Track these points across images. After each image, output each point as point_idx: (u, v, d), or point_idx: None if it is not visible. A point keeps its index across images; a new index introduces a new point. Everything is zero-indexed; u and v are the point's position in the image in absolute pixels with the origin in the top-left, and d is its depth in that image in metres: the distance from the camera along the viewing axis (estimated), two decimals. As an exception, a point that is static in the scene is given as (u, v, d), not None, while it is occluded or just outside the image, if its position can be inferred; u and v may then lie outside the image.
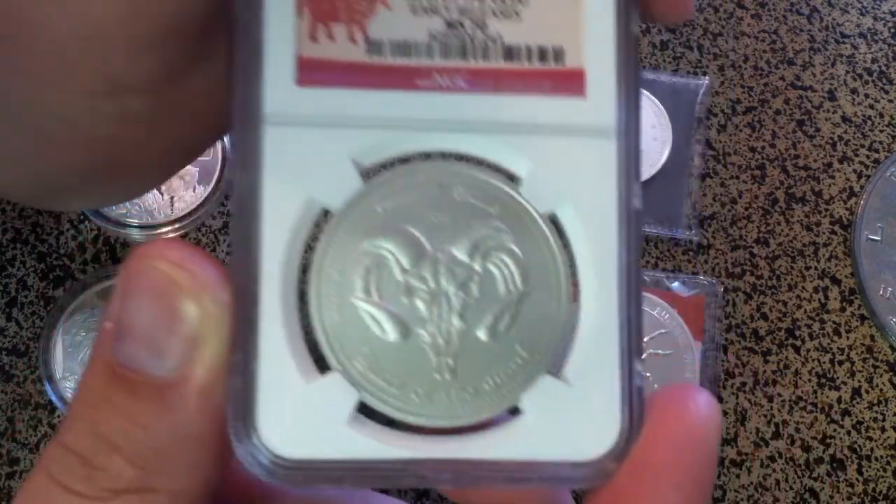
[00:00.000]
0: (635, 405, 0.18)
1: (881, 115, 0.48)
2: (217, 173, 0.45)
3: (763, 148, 0.47)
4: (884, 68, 0.49)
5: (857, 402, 0.43)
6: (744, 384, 0.43)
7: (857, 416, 0.43)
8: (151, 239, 0.44)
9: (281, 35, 0.18)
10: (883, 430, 0.42)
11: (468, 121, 0.19)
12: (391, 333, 0.18)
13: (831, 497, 0.41)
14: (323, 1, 0.19)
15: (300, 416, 0.18)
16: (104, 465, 0.17)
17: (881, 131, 0.48)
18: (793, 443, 0.42)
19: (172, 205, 0.44)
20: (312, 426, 0.17)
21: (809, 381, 0.43)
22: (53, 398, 0.40)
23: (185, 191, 0.44)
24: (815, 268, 0.45)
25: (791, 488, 0.41)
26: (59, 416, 0.41)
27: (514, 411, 0.18)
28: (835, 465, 0.42)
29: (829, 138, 0.48)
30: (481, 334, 0.18)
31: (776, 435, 0.42)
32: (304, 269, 0.18)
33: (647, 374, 0.42)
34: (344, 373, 0.18)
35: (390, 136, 0.19)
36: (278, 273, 0.18)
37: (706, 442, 0.18)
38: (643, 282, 0.20)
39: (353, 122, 0.18)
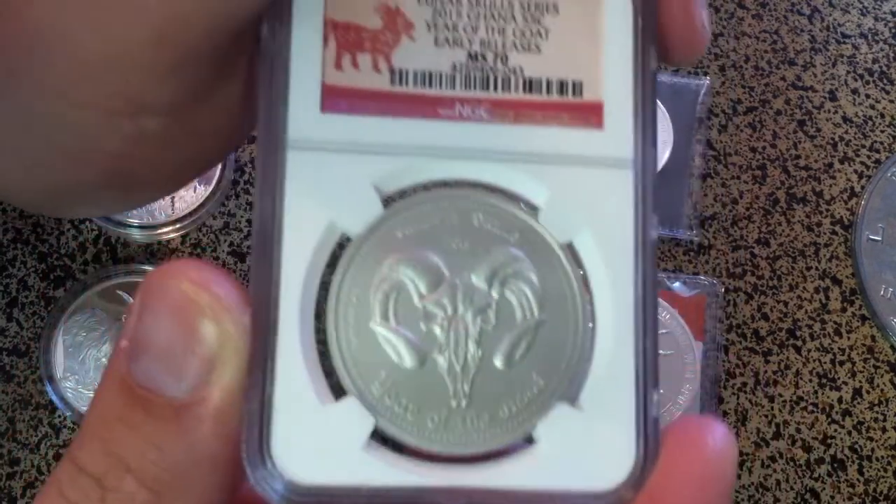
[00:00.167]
0: (650, 436, 0.18)
1: (882, 116, 0.48)
2: (217, 174, 0.45)
3: (764, 148, 0.47)
4: (885, 69, 0.49)
5: (858, 403, 0.43)
6: (745, 384, 0.43)
7: (857, 417, 0.43)
8: (154, 238, 0.44)
9: (307, 63, 0.19)
10: (884, 430, 0.42)
11: (488, 150, 0.19)
12: (408, 359, 0.18)
13: (832, 497, 0.41)
14: (349, 31, 0.19)
15: (315, 441, 0.17)
16: (117, 487, 0.17)
17: (882, 131, 0.48)
18: (794, 443, 0.42)
19: (173, 205, 0.44)
20: (327, 452, 0.17)
21: (810, 381, 0.43)
22: (54, 398, 0.40)
23: (186, 191, 0.44)
24: (816, 268, 0.45)
25: (792, 488, 0.41)
26: (59, 416, 0.41)
27: (530, 439, 0.18)
28: (836, 465, 0.42)
29: (829, 138, 0.48)
30: (498, 362, 0.18)
31: (777, 435, 0.42)
32: (323, 294, 0.18)
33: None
34: (360, 398, 0.18)
35: (412, 164, 0.19)
36: (297, 296, 0.18)
37: (723, 476, 0.18)
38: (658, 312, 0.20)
39: (375, 149, 0.19)
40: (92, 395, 0.40)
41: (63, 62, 0.18)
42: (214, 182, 0.44)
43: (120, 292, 0.42)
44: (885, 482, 0.42)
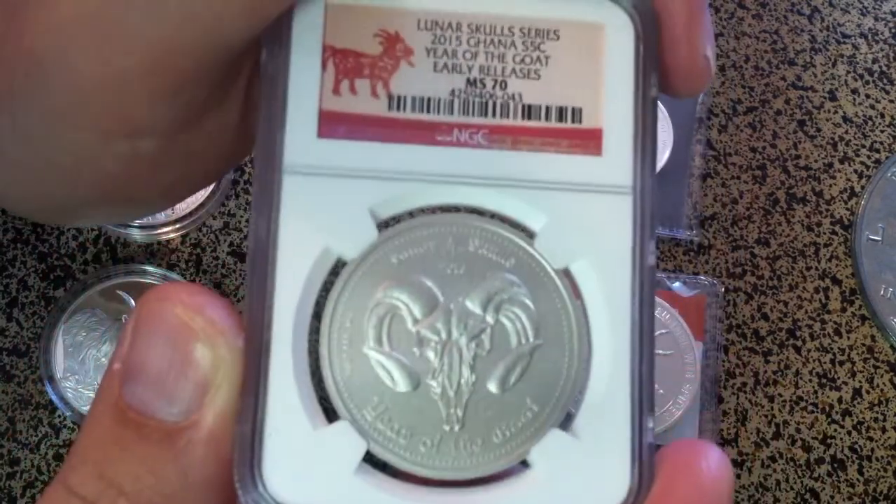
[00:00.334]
0: (645, 462, 0.18)
1: (882, 116, 0.48)
2: (218, 173, 0.45)
3: (764, 148, 0.47)
4: (884, 68, 0.49)
5: (858, 403, 0.43)
6: (744, 384, 0.43)
7: (857, 417, 0.43)
8: (154, 238, 0.44)
9: (304, 88, 0.19)
10: (884, 430, 0.42)
11: (485, 176, 0.19)
12: (401, 383, 0.18)
13: (832, 497, 0.41)
14: (348, 57, 0.19)
15: (307, 465, 0.17)
16: None
17: (882, 131, 0.48)
18: (793, 443, 0.42)
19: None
20: (319, 475, 0.17)
21: (810, 381, 0.43)
22: (54, 398, 0.40)
23: (186, 191, 0.44)
24: (816, 268, 0.45)
25: (792, 488, 0.41)
26: (59, 416, 0.41)
27: (524, 465, 0.18)
28: (835, 465, 0.42)
29: (829, 138, 0.48)
30: (492, 386, 0.18)
31: (777, 435, 0.42)
32: (317, 318, 0.18)
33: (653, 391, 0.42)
34: (352, 422, 0.18)
35: (408, 189, 0.19)
36: (290, 320, 0.18)
37: (718, 500, 0.18)
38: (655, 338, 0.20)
39: (371, 174, 0.19)
40: (92, 396, 0.40)
41: (61, 86, 0.19)
42: (214, 182, 0.44)
43: (120, 292, 0.42)
44: (885, 482, 0.42)
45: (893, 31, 0.50)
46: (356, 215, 0.19)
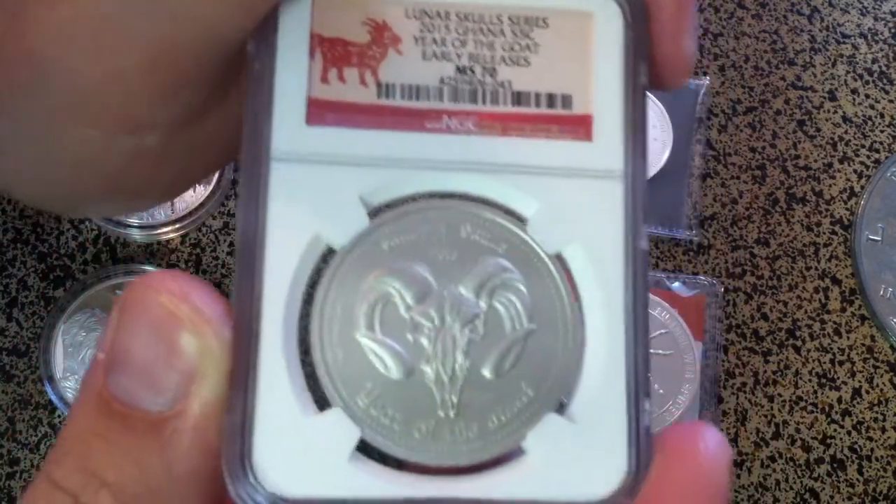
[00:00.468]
0: (643, 445, 0.18)
1: (882, 116, 0.48)
2: (217, 174, 0.45)
3: (763, 148, 0.47)
4: (884, 68, 0.49)
5: (858, 403, 0.43)
6: (744, 384, 0.43)
7: (857, 417, 0.43)
8: (154, 238, 0.44)
9: (292, 76, 0.19)
10: (883, 430, 0.42)
11: (476, 162, 0.19)
12: (395, 370, 0.18)
13: (832, 497, 0.41)
14: (336, 45, 0.19)
15: (299, 454, 0.17)
16: (93, 503, 0.16)
17: (882, 131, 0.48)
18: (793, 443, 0.42)
19: (173, 205, 0.44)
20: (312, 464, 0.17)
21: (810, 381, 0.43)
22: (54, 398, 0.40)
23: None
24: (816, 268, 0.45)
25: (791, 488, 0.41)
26: (59, 417, 0.41)
27: (520, 450, 0.18)
28: (835, 465, 0.42)
29: (829, 138, 0.48)
30: (486, 372, 0.18)
31: (776, 435, 0.42)
32: (307, 305, 0.18)
33: (649, 375, 0.42)
34: (345, 409, 0.18)
35: (398, 176, 0.19)
36: (280, 308, 0.18)
37: (717, 482, 0.18)
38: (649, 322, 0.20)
39: (361, 162, 0.19)
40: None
41: (62, 86, 0.19)
42: (214, 182, 0.44)
43: (120, 292, 0.42)
44: (885, 482, 0.42)
45: (893, 31, 0.50)
46: (347, 202, 0.18)
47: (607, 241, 0.19)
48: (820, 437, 0.42)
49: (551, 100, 0.20)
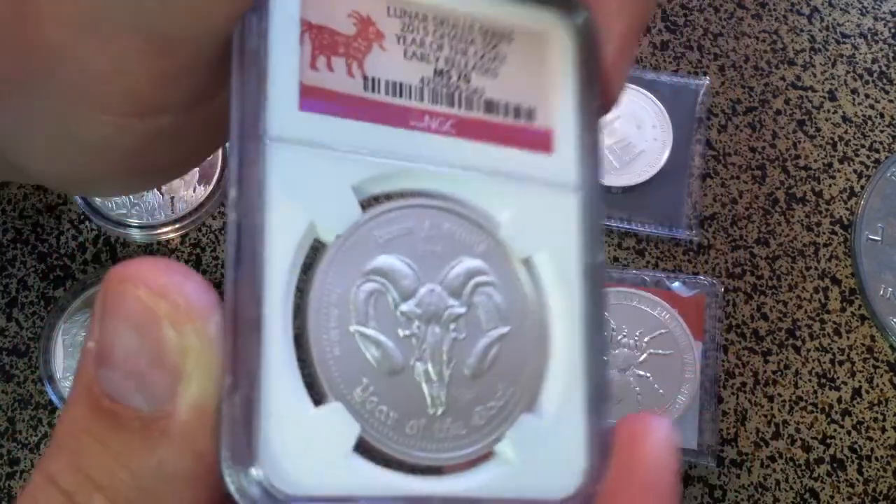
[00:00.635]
0: (602, 445, 0.19)
1: (881, 115, 0.48)
2: (217, 173, 0.45)
3: (763, 148, 0.47)
4: (884, 68, 0.49)
5: (858, 403, 0.43)
6: (744, 384, 0.43)
7: (857, 417, 0.43)
8: (154, 238, 0.44)
9: (285, 60, 0.19)
10: (883, 430, 0.42)
11: (457, 163, 0.20)
12: (387, 365, 0.18)
13: (832, 497, 0.41)
14: (324, 33, 0.19)
15: (298, 448, 0.17)
16: None
17: (881, 131, 0.48)
18: (793, 443, 0.42)
19: (173, 205, 0.44)
20: (311, 459, 0.17)
21: (810, 381, 0.43)
22: (53, 398, 0.40)
23: (186, 191, 0.44)
24: (816, 268, 0.45)
25: (791, 488, 0.41)
26: (59, 417, 0.41)
27: (497, 450, 0.19)
28: (835, 465, 0.42)
29: (829, 138, 0.48)
30: (467, 371, 0.19)
31: (776, 435, 0.42)
32: (302, 294, 0.18)
33: (648, 375, 0.42)
34: (345, 404, 0.17)
35: (388, 169, 0.19)
36: (281, 296, 0.17)
37: (666, 475, 0.18)
38: (608, 330, 0.21)
39: (352, 152, 0.19)
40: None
41: (73, 72, 0.19)
42: (214, 182, 0.44)
43: (120, 292, 0.42)
44: (885, 482, 0.42)
45: (893, 31, 0.50)
46: (340, 192, 0.18)
47: (566, 251, 0.20)
48: (820, 437, 0.42)
49: (517, 111, 0.21)
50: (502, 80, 0.21)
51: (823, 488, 0.41)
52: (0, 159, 0.23)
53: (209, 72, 0.20)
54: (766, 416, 0.42)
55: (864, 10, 0.50)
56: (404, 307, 0.18)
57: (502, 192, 0.20)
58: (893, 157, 0.47)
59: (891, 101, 0.48)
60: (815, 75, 0.49)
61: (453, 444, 0.18)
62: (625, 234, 0.45)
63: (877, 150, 0.47)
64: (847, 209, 0.46)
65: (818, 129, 0.48)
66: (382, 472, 0.18)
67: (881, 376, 0.43)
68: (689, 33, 0.49)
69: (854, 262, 0.45)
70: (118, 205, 0.44)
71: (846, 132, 0.48)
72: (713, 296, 0.44)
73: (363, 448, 0.18)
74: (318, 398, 0.17)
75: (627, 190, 0.46)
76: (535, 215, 0.20)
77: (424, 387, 0.18)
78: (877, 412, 0.43)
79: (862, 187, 0.47)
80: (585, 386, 0.19)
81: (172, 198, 0.44)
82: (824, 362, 0.43)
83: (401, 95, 0.19)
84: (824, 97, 0.48)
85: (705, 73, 0.48)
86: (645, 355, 0.42)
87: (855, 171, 0.47)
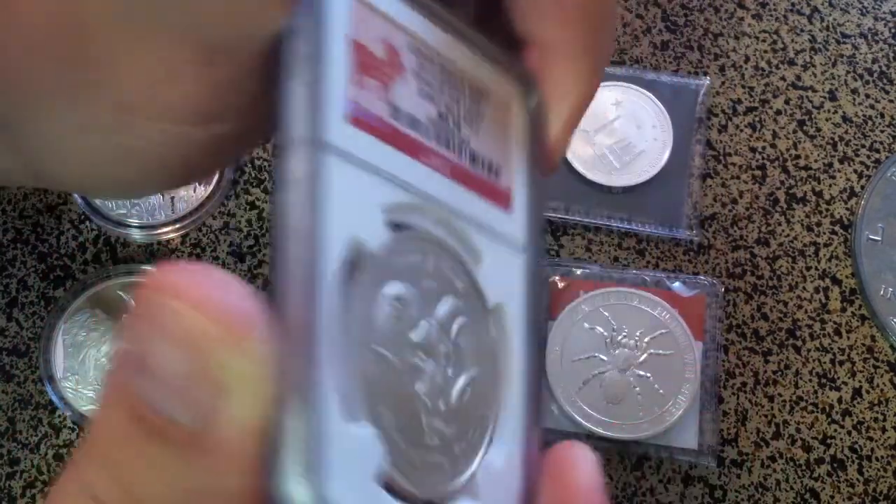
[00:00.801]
0: (531, 471, 0.20)
1: (882, 116, 0.48)
2: (217, 173, 0.45)
3: (764, 148, 0.47)
4: (884, 68, 0.49)
5: (858, 403, 0.43)
6: (744, 384, 0.43)
7: (857, 417, 0.43)
8: (154, 238, 0.44)
9: (336, 73, 0.19)
10: (884, 430, 0.42)
11: (452, 206, 0.20)
12: (397, 388, 0.18)
13: (832, 497, 0.41)
14: (365, 52, 0.19)
15: (341, 468, 0.16)
16: None
17: (882, 131, 0.48)
18: (793, 443, 0.42)
19: (173, 204, 0.44)
20: (350, 478, 0.16)
21: (810, 381, 0.43)
22: (54, 398, 0.40)
23: (186, 190, 0.44)
24: (816, 268, 0.45)
25: (792, 488, 0.41)
26: (59, 416, 0.41)
27: (471, 480, 0.19)
28: (835, 465, 0.42)
29: (829, 138, 0.48)
30: (450, 406, 0.19)
31: (777, 435, 0.42)
32: (339, 309, 0.17)
33: (649, 375, 0.42)
34: (374, 424, 0.17)
35: (412, 200, 0.20)
36: (335, 307, 0.17)
37: (599, 495, 0.19)
38: (542, 377, 0.22)
39: (384, 175, 0.19)
40: (93, 396, 0.40)
41: (129, 83, 0.19)
42: (214, 182, 0.44)
43: (120, 292, 0.42)
44: (885, 482, 0.42)
45: (893, 31, 0.50)
46: (375, 212, 0.19)
47: (518, 305, 0.21)
48: (820, 437, 0.42)
49: (489, 167, 0.22)
50: (481, 135, 0.21)
51: (824, 488, 0.41)
52: (25, 168, 0.23)
53: (261, 79, 0.20)
54: (766, 416, 0.42)
55: (864, 11, 0.50)
56: (413, 336, 0.19)
57: (481, 241, 0.21)
58: (894, 158, 0.47)
59: (891, 101, 0.48)
60: (815, 75, 0.49)
61: (440, 478, 0.18)
62: (625, 234, 0.45)
63: (877, 150, 0.47)
64: (847, 209, 0.46)
65: (818, 129, 0.48)
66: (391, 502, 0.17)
67: (881, 376, 0.43)
68: (690, 33, 0.49)
69: (854, 262, 0.45)
70: (118, 205, 0.44)
71: (846, 132, 0.48)
72: (713, 296, 0.44)
73: (384, 474, 0.17)
74: (352, 416, 0.17)
75: (627, 190, 0.46)
76: (501, 268, 0.21)
77: (423, 417, 0.18)
78: (877, 412, 0.43)
79: (862, 187, 0.47)
80: (523, 429, 0.20)
81: (173, 198, 0.44)
82: (825, 362, 0.43)
83: (416, 130, 0.20)
84: (825, 97, 0.48)
85: (705, 73, 0.48)
86: (645, 355, 0.42)
87: (855, 171, 0.47)
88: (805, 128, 0.48)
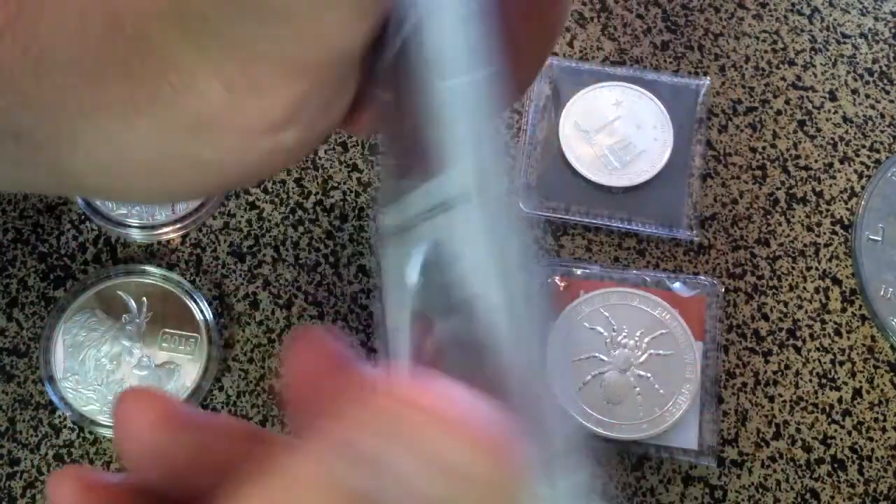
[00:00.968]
0: None
1: (882, 116, 0.48)
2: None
3: (764, 148, 0.47)
4: (885, 69, 0.49)
5: (858, 403, 0.43)
6: (745, 384, 0.43)
7: (857, 417, 0.43)
8: (154, 238, 0.44)
9: None
10: (884, 430, 0.42)
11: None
12: None
13: (832, 497, 0.41)
14: None
15: None
16: None
17: (882, 132, 0.48)
18: (794, 443, 0.42)
19: (173, 205, 0.44)
20: None
21: (810, 381, 0.43)
22: (54, 398, 0.40)
23: (186, 191, 0.44)
24: (816, 268, 0.45)
25: (792, 489, 0.41)
26: (59, 416, 0.41)
27: None
28: (836, 465, 0.42)
29: (830, 138, 0.48)
30: None
31: (777, 435, 0.42)
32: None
33: (649, 375, 0.42)
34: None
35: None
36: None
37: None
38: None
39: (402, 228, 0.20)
40: (92, 395, 0.40)
41: (209, 96, 0.20)
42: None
43: (120, 292, 0.42)
44: (885, 482, 0.42)
45: (893, 31, 0.50)
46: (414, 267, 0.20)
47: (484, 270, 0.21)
48: (820, 437, 0.42)
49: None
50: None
51: (824, 489, 0.41)
52: (59, 182, 0.23)
53: (333, 91, 0.21)
54: (766, 416, 0.42)
55: (864, 11, 0.50)
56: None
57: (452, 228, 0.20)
58: (894, 158, 0.47)
59: (891, 101, 0.48)
60: (815, 75, 0.49)
61: None
62: (625, 234, 0.45)
63: (877, 151, 0.47)
64: (847, 209, 0.46)
65: (819, 130, 0.48)
66: None
67: (882, 376, 0.43)
68: (690, 33, 0.49)
69: (855, 263, 0.45)
70: (118, 205, 0.44)
71: (847, 132, 0.48)
72: (714, 296, 0.44)
73: None
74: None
75: (628, 190, 0.46)
76: (469, 244, 0.19)
77: None
78: (877, 412, 0.43)
79: (862, 187, 0.47)
80: None
81: (173, 198, 0.44)
82: (825, 362, 0.43)
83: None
84: (825, 97, 0.48)
85: (706, 74, 0.48)
86: (645, 355, 0.42)
87: (855, 171, 0.47)
88: (805, 128, 0.48)
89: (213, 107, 0.20)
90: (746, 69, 0.49)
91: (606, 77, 0.48)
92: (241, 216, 0.44)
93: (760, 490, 0.41)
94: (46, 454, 0.40)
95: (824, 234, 0.46)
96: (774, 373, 0.43)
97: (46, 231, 0.43)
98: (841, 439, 0.42)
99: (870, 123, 0.48)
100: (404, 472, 0.14)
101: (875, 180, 0.46)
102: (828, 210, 0.46)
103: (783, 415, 0.42)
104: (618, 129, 0.47)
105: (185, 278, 0.43)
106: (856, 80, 0.49)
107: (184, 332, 0.42)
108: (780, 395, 0.43)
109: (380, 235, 0.21)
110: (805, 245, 0.45)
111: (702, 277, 0.44)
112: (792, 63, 0.49)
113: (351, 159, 0.45)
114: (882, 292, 0.44)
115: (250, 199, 0.45)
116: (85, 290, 0.42)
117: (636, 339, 0.42)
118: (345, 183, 0.45)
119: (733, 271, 0.45)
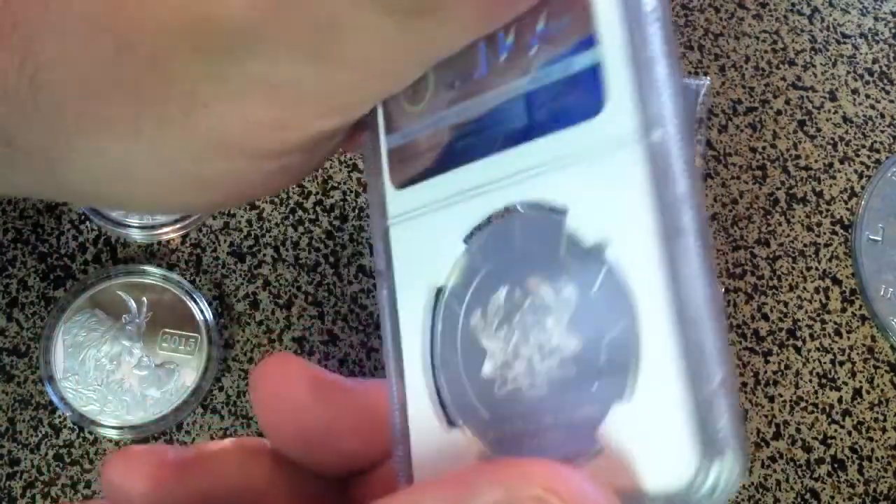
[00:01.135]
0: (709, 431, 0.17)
1: (882, 116, 0.48)
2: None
3: (764, 148, 0.47)
4: (885, 69, 0.49)
5: (858, 403, 0.43)
6: (745, 384, 0.43)
7: (858, 417, 0.43)
8: (154, 238, 0.44)
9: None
10: (884, 430, 0.42)
11: (517, 164, 0.19)
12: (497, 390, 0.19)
13: (832, 497, 0.41)
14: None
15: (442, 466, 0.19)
16: None
17: (882, 132, 0.48)
18: (794, 443, 0.42)
19: (173, 205, 0.44)
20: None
21: (810, 381, 0.43)
22: (54, 398, 0.40)
23: (186, 191, 0.44)
24: (816, 268, 0.45)
25: (792, 489, 0.41)
26: (59, 416, 0.41)
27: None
28: (836, 465, 0.42)
29: (830, 139, 0.48)
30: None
31: (777, 435, 0.42)
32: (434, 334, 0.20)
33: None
34: (469, 425, 0.19)
35: (471, 200, 0.20)
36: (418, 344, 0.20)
37: None
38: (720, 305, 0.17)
39: (442, 204, 0.20)
40: (92, 395, 0.40)
41: (218, 122, 0.21)
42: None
43: (120, 293, 0.42)
44: (885, 482, 0.42)
45: (893, 31, 0.50)
46: (450, 241, 0.20)
47: (636, 217, 0.20)
48: (820, 437, 0.42)
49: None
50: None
51: (824, 489, 0.41)
52: (58, 190, 0.23)
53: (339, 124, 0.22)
54: (766, 416, 0.42)
55: (864, 11, 0.50)
56: (493, 341, 0.19)
57: (563, 179, 0.19)
58: (894, 158, 0.47)
59: (891, 101, 0.48)
60: (815, 75, 0.49)
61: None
62: (625, 234, 0.45)
63: (877, 151, 0.47)
64: (847, 209, 0.46)
65: (819, 130, 0.48)
66: None
67: (882, 377, 0.43)
68: (690, 33, 0.49)
69: (855, 263, 0.45)
70: (118, 205, 0.44)
71: (847, 132, 0.48)
72: (714, 296, 0.44)
73: None
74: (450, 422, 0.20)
75: (628, 190, 0.46)
76: (599, 190, 0.19)
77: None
78: (877, 412, 0.43)
79: (862, 187, 0.47)
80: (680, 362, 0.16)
81: (173, 198, 0.44)
82: (825, 363, 0.43)
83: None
84: (825, 97, 0.48)
85: (706, 74, 0.48)
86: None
87: (855, 171, 0.47)
88: (805, 128, 0.48)
89: (227, 134, 0.21)
90: (746, 69, 0.49)
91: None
92: (241, 216, 0.44)
93: (760, 490, 0.41)
94: (46, 454, 0.40)
95: (824, 234, 0.46)
96: (774, 373, 0.43)
97: (46, 231, 0.43)
98: (841, 439, 0.42)
99: (870, 123, 0.48)
100: None
101: (875, 180, 0.46)
102: (828, 210, 0.46)
103: (783, 415, 0.42)
104: (618, 129, 0.47)
105: (185, 278, 0.43)
106: (856, 80, 0.49)
107: (184, 332, 0.42)
108: (780, 395, 0.43)
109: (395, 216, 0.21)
110: (805, 245, 0.45)
111: (702, 277, 0.44)
112: (792, 63, 0.49)
113: (351, 159, 0.45)
114: (882, 292, 0.44)
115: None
116: (85, 290, 0.42)
117: (636, 339, 0.42)
118: (345, 183, 0.45)
119: (733, 271, 0.45)
